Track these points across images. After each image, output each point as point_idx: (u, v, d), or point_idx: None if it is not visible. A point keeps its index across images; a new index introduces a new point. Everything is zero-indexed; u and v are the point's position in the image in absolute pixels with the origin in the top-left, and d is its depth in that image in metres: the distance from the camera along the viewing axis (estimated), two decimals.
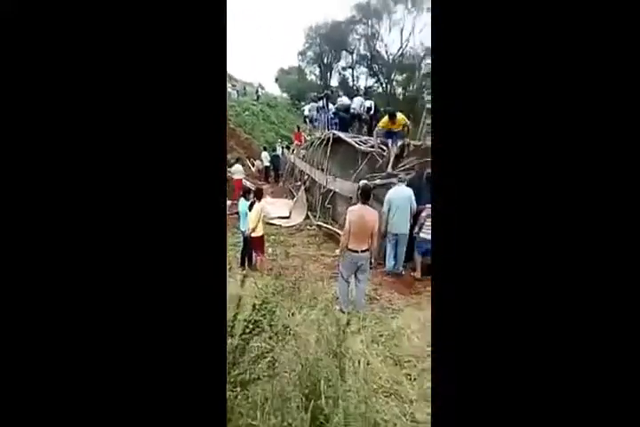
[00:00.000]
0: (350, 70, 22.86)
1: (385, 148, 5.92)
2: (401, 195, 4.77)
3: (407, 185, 4.87)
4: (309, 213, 8.25)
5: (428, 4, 19.41)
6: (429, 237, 4.46)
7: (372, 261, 3.71)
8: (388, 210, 4.75)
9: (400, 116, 5.71)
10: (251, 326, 1.53)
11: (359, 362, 2.00)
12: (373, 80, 22.40)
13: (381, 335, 2.97)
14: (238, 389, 1.42)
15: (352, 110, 8.89)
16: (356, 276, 3.60)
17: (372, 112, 8.81)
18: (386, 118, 5.63)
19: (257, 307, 1.62)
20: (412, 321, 3.36)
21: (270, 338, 1.65)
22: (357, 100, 9.56)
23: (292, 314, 2.62)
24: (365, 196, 3.57)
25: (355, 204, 4.07)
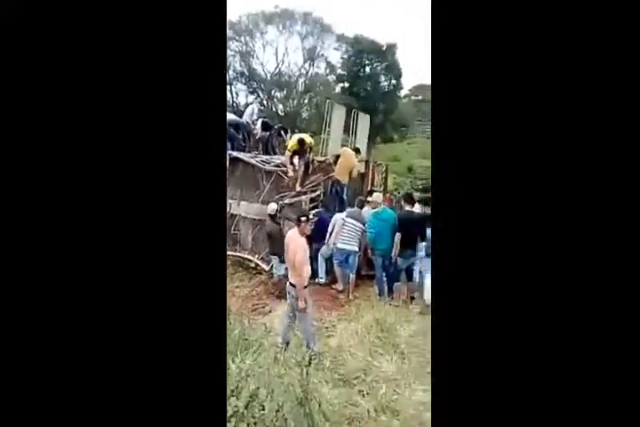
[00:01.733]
0: (229, 87, 22.59)
1: (287, 166, 5.90)
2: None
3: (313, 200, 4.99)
4: None
5: (298, 28, 20.61)
6: (346, 246, 4.62)
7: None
8: None
9: (309, 139, 5.77)
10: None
11: (319, 403, 1.89)
12: (253, 97, 22.53)
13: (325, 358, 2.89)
14: None
15: (245, 122, 8.73)
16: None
17: (263, 130, 8.78)
18: (294, 142, 5.60)
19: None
20: (348, 335, 3.36)
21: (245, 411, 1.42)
22: (249, 109, 9.46)
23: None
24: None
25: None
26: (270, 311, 4.42)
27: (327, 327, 3.86)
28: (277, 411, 1.52)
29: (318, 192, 5.37)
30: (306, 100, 21.77)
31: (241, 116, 9.22)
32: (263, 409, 1.48)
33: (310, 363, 1.86)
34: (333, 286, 4.90)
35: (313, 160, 5.62)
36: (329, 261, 5.01)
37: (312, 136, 6.35)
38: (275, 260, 5.01)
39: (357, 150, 5.81)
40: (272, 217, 5.07)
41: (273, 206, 5.15)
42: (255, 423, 1.40)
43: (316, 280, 5.03)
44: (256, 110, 9.53)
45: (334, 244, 4.71)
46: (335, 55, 21.48)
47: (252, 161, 6.52)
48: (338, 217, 4.82)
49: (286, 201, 5.34)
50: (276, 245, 4.70)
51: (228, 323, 3.15)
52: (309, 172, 5.58)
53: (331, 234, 4.81)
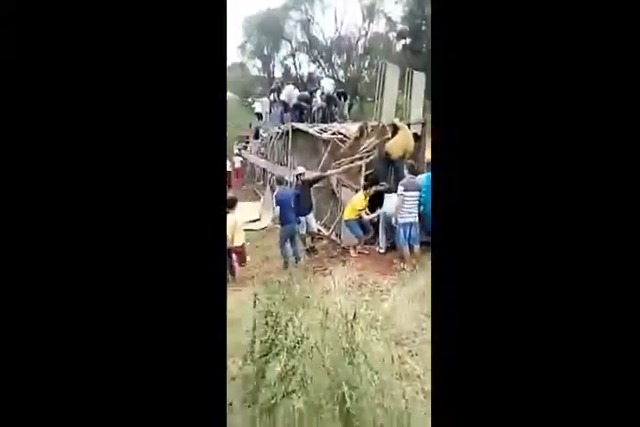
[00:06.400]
0: (292, 59, 22.47)
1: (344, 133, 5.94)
2: None
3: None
4: None
5: None
6: (406, 220, 4.59)
7: None
8: None
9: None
10: (268, 346, 1.51)
11: (365, 355, 2.04)
12: (315, 66, 22.19)
13: (377, 320, 3.04)
14: (265, 413, 1.41)
15: (321, 97, 8.81)
16: None
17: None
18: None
19: (270, 324, 1.59)
20: (401, 300, 3.45)
21: (288, 353, 1.63)
22: (286, 90, 9.45)
23: (291, 320, 2.61)
24: None
25: None
26: (330, 273, 4.63)
27: (382, 291, 3.97)
28: (323, 358, 1.70)
29: (372, 157, 5.37)
30: (366, 63, 20.85)
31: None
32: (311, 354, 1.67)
33: (355, 317, 2.00)
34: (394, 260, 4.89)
35: (367, 125, 5.57)
36: (389, 230, 5.07)
37: (371, 101, 6.22)
38: (302, 219, 5.36)
39: (416, 136, 5.65)
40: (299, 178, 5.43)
41: (301, 169, 5.58)
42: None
43: (376, 249, 5.22)
44: (293, 92, 9.49)
45: (396, 221, 4.68)
46: (396, 10, 20.08)
47: (311, 130, 6.63)
48: (393, 195, 4.82)
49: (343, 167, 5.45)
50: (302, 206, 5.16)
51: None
52: (364, 136, 5.56)
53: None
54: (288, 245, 5.18)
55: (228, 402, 1.47)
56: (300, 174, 5.51)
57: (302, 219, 5.38)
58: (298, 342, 1.62)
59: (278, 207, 5.21)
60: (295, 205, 5.15)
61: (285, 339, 1.67)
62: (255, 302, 1.87)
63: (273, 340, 1.57)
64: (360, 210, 5.07)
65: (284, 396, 1.41)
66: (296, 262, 5.19)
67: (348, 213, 5.14)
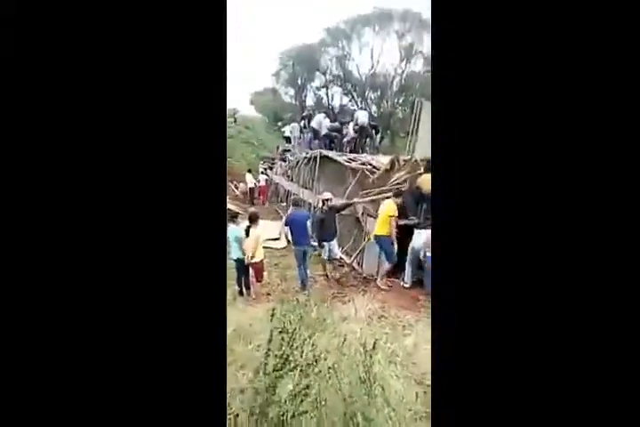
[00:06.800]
0: (324, 90, 23.29)
1: (373, 164, 5.96)
2: None
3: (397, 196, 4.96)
4: None
5: (395, 28, 20.30)
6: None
7: None
8: None
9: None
10: (282, 362, 1.43)
11: (382, 387, 1.92)
12: (347, 99, 22.90)
13: (397, 356, 2.89)
14: None
15: (353, 128, 9.00)
16: None
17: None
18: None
19: (286, 340, 1.52)
20: (425, 337, 3.29)
21: (302, 371, 1.54)
22: (317, 118, 9.64)
23: (307, 340, 2.52)
24: None
25: None
26: (349, 301, 4.51)
27: (404, 326, 3.82)
28: (339, 381, 1.60)
29: (403, 189, 5.31)
30: (400, 100, 21.39)
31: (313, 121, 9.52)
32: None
33: (374, 347, 1.90)
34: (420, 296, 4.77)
35: (398, 158, 5.57)
36: (416, 266, 4.96)
37: (403, 137, 6.28)
38: (326, 245, 5.34)
39: None
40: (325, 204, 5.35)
41: (328, 195, 5.50)
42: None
43: (401, 284, 5.10)
44: (324, 121, 9.73)
45: (424, 255, 4.61)
46: None
47: (339, 159, 6.71)
48: (423, 231, 4.75)
49: (371, 197, 5.40)
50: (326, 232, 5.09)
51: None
52: (395, 169, 5.54)
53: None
54: (302, 266, 5.12)
55: (234, 413, 1.40)
56: (328, 200, 5.48)
57: (325, 244, 5.33)
58: (315, 361, 1.54)
59: (288, 227, 5.19)
60: (316, 229, 5.12)
61: (301, 357, 1.59)
62: (273, 315, 1.81)
63: (288, 356, 1.50)
64: (391, 216, 4.92)
65: (294, 415, 1.32)
66: (302, 286, 5.10)
67: (380, 226, 5.01)
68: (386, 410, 1.68)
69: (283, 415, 1.33)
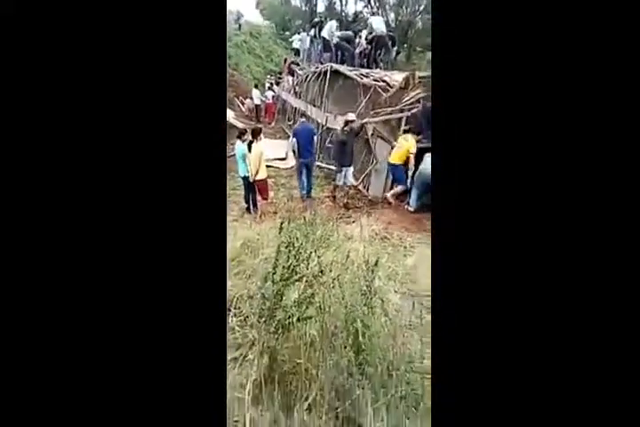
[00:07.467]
0: None
1: (387, 80, 5.54)
2: None
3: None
4: None
5: None
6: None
7: None
8: None
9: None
10: (289, 272, 1.51)
11: (382, 300, 2.06)
12: (362, 4, 20.40)
13: (397, 274, 3.05)
14: (280, 331, 1.45)
15: (366, 38, 8.26)
16: None
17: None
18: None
19: (293, 253, 1.58)
20: (425, 258, 3.44)
21: (307, 281, 1.63)
22: (328, 25, 8.80)
23: (312, 255, 2.64)
24: None
25: None
26: (354, 222, 4.64)
27: (406, 247, 3.97)
28: (342, 291, 1.71)
29: (415, 110, 5.02)
30: (421, 7, 19.04)
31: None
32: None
33: (377, 264, 1.98)
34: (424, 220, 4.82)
35: (414, 75, 5.15)
36: (423, 189, 4.92)
37: (421, 51, 5.75)
38: (344, 170, 5.22)
39: None
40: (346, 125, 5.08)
41: (352, 116, 5.16)
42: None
43: (406, 207, 5.11)
44: (334, 27, 8.91)
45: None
46: None
47: (351, 74, 6.25)
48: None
49: (382, 117, 5.15)
50: (346, 156, 4.89)
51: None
52: (409, 88, 5.17)
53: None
54: (304, 177, 5.11)
55: (244, 315, 1.53)
56: (351, 121, 5.09)
57: (343, 169, 5.24)
58: (320, 272, 1.62)
59: (295, 139, 5.06)
60: (336, 152, 4.98)
61: (307, 269, 1.67)
62: (281, 228, 1.85)
63: (294, 267, 1.57)
64: (411, 153, 4.82)
65: (299, 319, 1.43)
66: (307, 196, 5.14)
67: (399, 157, 4.92)
68: (383, 319, 1.81)
69: (289, 318, 1.45)
